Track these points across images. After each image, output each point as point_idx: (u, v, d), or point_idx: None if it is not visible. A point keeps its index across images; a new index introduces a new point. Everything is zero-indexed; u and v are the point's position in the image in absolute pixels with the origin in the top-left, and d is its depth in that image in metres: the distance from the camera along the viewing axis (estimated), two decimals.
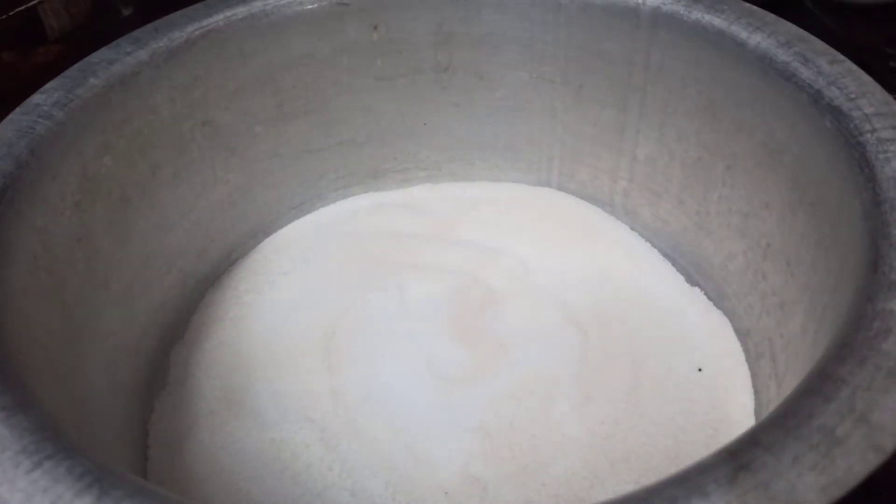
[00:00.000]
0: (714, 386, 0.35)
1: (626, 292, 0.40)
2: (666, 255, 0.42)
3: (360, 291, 0.40)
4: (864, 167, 0.25)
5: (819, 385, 0.19)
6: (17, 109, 0.30)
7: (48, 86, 0.32)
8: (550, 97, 0.42)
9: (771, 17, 0.33)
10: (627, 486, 0.31)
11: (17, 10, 0.50)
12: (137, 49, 0.34)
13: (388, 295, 0.40)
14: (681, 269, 0.41)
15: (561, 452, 0.33)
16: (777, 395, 0.32)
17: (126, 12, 0.56)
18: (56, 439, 0.20)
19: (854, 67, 0.28)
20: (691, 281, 0.40)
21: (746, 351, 0.36)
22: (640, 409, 0.34)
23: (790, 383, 0.29)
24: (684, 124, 0.37)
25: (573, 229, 0.43)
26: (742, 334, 0.37)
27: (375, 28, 0.40)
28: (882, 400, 0.19)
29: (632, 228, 0.44)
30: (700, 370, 0.36)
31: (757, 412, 0.34)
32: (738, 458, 0.18)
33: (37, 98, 0.31)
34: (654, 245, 0.43)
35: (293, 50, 0.39)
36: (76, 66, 0.33)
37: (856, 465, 0.18)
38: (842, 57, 0.29)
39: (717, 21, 0.34)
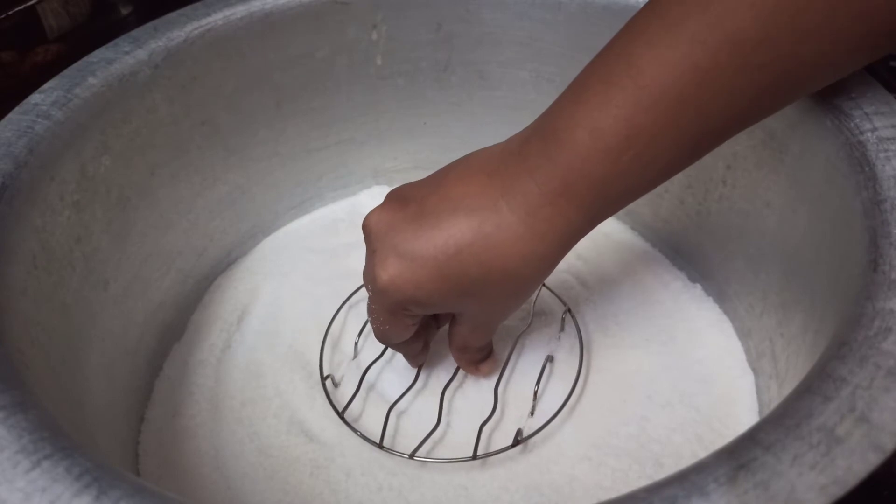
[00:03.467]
0: (715, 385, 0.35)
1: (627, 292, 0.40)
2: (666, 255, 0.42)
3: (361, 292, 0.40)
4: (864, 166, 0.25)
5: (819, 384, 0.19)
6: (16, 109, 0.30)
7: (47, 85, 0.32)
8: (550, 96, 0.42)
9: None
10: (627, 485, 0.31)
11: (16, 9, 0.50)
12: (136, 48, 0.34)
13: None
14: (681, 269, 0.41)
15: (559, 452, 0.33)
16: (778, 395, 0.32)
17: (125, 11, 0.56)
18: (54, 439, 0.20)
19: None
20: (692, 281, 0.40)
21: (747, 350, 0.36)
22: (639, 408, 0.34)
23: (791, 382, 0.29)
24: None
25: None
26: (743, 334, 0.37)
27: (375, 27, 0.40)
28: (882, 399, 0.19)
29: (632, 228, 0.44)
30: (701, 370, 0.36)
31: (758, 411, 0.34)
32: (737, 457, 0.18)
33: (35, 98, 0.31)
34: (654, 245, 0.43)
35: (292, 49, 0.39)
36: (75, 65, 0.33)
37: (856, 464, 0.17)
38: None
39: None
